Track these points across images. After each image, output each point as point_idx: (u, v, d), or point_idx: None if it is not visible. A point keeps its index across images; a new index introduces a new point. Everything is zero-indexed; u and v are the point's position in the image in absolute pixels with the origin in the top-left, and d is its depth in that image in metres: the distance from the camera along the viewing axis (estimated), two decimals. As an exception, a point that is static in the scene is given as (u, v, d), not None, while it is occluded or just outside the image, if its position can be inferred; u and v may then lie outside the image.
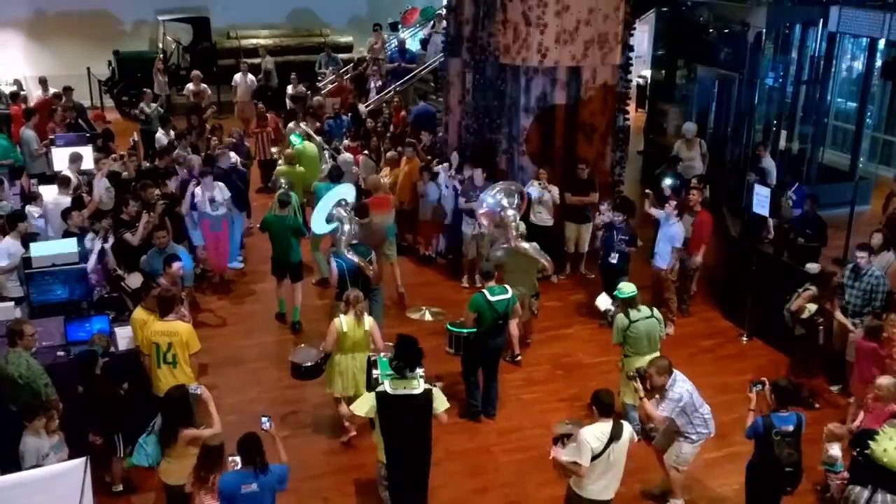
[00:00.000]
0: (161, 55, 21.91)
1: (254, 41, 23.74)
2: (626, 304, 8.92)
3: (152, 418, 7.20)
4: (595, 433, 6.90)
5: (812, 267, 10.36)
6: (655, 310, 9.08)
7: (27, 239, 10.17)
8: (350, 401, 8.38)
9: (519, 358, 10.76)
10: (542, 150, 13.18)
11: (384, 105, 18.07)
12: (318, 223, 10.47)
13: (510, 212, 10.63)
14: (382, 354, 8.46)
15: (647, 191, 12.24)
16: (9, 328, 8.00)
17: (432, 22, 21.56)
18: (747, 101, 15.69)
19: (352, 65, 22.07)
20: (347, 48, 24.63)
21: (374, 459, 7.65)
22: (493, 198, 10.76)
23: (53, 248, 9.79)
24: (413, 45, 21.81)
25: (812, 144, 16.19)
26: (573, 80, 13.02)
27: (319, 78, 20.72)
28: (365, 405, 7.41)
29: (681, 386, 7.66)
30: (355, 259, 9.96)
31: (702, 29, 17.46)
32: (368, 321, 8.66)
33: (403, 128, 16.41)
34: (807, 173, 15.90)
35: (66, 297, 9.45)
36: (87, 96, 21.95)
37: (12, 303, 9.55)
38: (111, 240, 10.45)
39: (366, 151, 15.02)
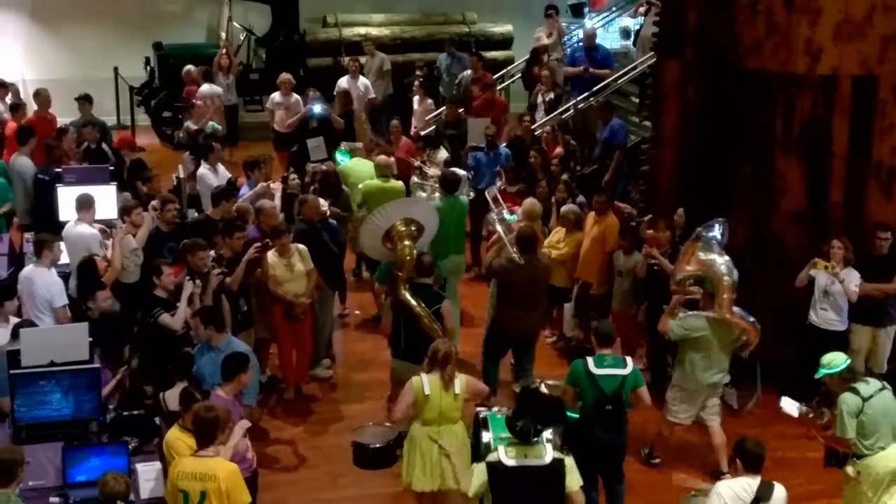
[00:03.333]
0: (224, 49, 22.45)
1: (362, 31, 24.40)
2: (844, 380, 9.64)
3: None
4: (734, 487, 8.08)
5: None
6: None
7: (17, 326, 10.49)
8: (435, 499, 9.63)
9: (726, 475, 10.94)
10: (809, 206, 13.00)
11: (554, 131, 18.11)
12: (371, 242, 11.83)
13: (720, 261, 11.26)
14: (495, 410, 9.33)
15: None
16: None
17: (642, 6, 21.67)
18: None
19: (518, 67, 22.41)
20: (504, 43, 25.00)
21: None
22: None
23: (54, 339, 10.07)
24: (607, 39, 21.92)
25: None
26: (863, 98, 12.84)
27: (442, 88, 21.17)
28: (475, 480, 8.25)
29: None
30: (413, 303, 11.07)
31: None
32: (461, 383, 9.58)
33: (564, 167, 16.33)
34: None
35: (67, 413, 9.69)
36: (111, 110, 23.00)
37: (-12, 421, 9.91)
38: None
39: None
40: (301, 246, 12.72)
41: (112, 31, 23.99)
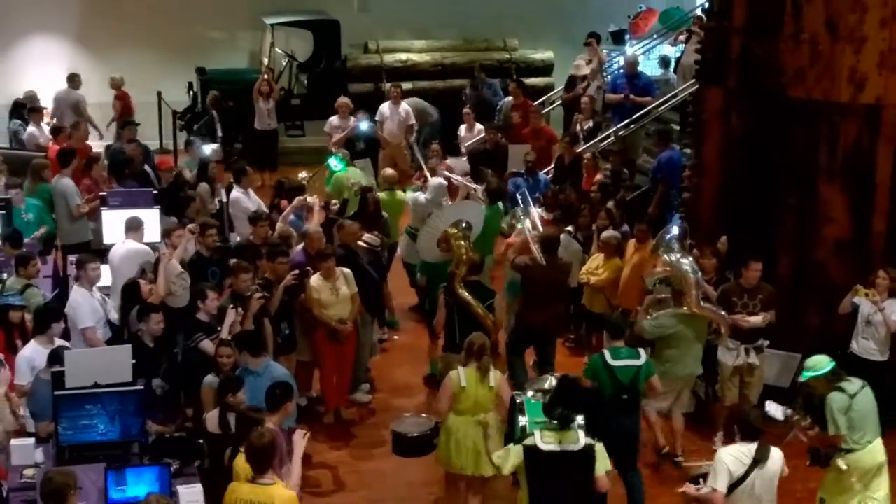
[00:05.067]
0: (266, 74, 22.52)
1: (403, 57, 24.52)
2: (831, 380, 9.98)
3: None
4: (733, 453, 8.80)
5: None
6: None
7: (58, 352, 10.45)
8: (472, 483, 10.44)
9: (680, 459, 12.02)
10: (853, 235, 12.95)
11: (594, 158, 18.09)
12: (429, 245, 12.49)
13: (685, 262, 12.07)
14: (530, 395, 10.26)
15: None
16: (51, 485, 7.98)
17: (682, 33, 21.64)
18: None
19: (558, 94, 22.41)
20: (545, 69, 25.02)
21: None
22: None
23: (97, 360, 10.11)
24: (647, 67, 21.91)
25: None
26: (909, 128, 12.79)
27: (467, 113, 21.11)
28: (510, 460, 9.05)
29: None
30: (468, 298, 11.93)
31: None
32: (495, 376, 10.30)
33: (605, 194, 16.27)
34: None
35: (112, 436, 9.72)
36: (154, 134, 23.10)
37: (32, 440, 9.91)
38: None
39: (569, 228, 15.00)
40: (346, 270, 12.78)
41: (156, 57, 24.14)
